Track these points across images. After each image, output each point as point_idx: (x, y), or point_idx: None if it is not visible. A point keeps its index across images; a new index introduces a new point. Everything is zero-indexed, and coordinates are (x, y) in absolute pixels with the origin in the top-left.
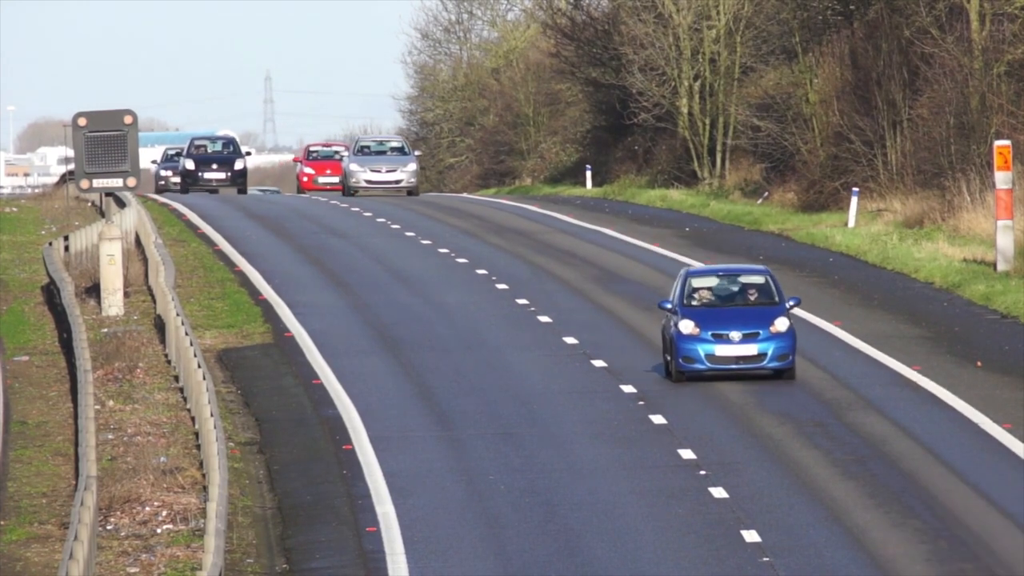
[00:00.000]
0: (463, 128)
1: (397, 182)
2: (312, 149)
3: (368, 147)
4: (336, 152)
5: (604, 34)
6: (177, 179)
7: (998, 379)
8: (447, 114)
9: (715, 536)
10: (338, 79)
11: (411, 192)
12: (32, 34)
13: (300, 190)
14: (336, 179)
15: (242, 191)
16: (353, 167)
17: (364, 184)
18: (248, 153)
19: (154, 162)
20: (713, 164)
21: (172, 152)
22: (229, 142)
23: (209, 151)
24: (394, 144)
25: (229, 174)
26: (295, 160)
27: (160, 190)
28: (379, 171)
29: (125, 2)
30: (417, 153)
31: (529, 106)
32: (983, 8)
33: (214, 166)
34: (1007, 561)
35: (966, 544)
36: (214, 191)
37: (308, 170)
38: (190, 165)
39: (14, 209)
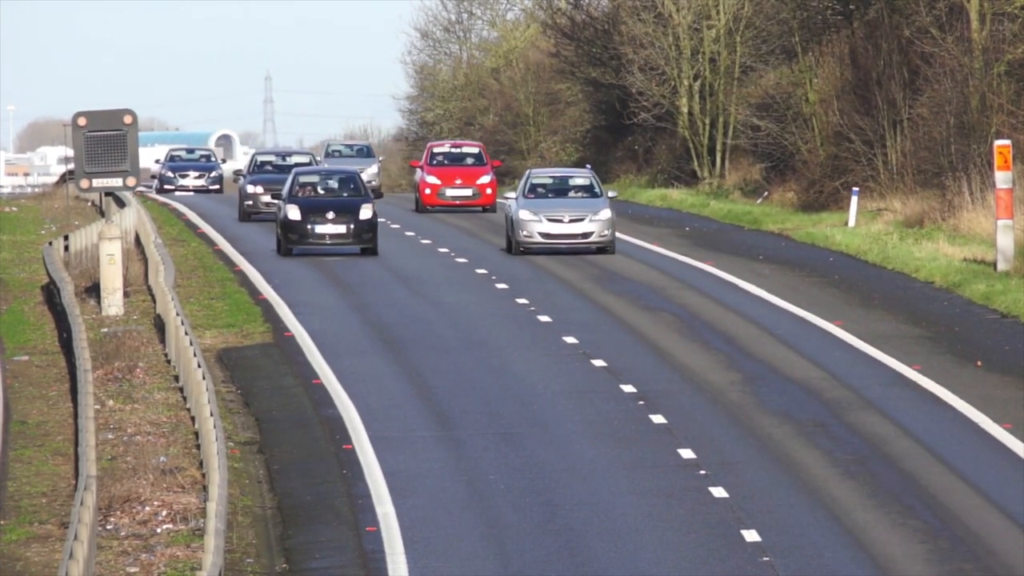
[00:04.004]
0: (463, 128)
1: (585, 236)
2: (436, 151)
3: (544, 186)
4: (468, 155)
5: (604, 34)
6: (269, 198)
7: (998, 379)
8: (447, 114)
9: (715, 536)
10: (338, 79)
11: (603, 249)
12: (32, 34)
13: (421, 206)
14: (469, 191)
15: (369, 251)
16: (523, 215)
17: (539, 240)
18: (380, 195)
19: (239, 174)
20: (713, 164)
21: (263, 159)
22: (350, 179)
23: (322, 192)
24: (579, 180)
25: (352, 226)
26: (413, 165)
27: (248, 214)
28: (559, 220)
29: (125, 2)
30: (611, 195)
31: (529, 106)
32: (983, 8)
33: (330, 215)
34: (1007, 561)
35: (966, 544)
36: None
37: (432, 179)
38: (295, 214)
39: (14, 209)
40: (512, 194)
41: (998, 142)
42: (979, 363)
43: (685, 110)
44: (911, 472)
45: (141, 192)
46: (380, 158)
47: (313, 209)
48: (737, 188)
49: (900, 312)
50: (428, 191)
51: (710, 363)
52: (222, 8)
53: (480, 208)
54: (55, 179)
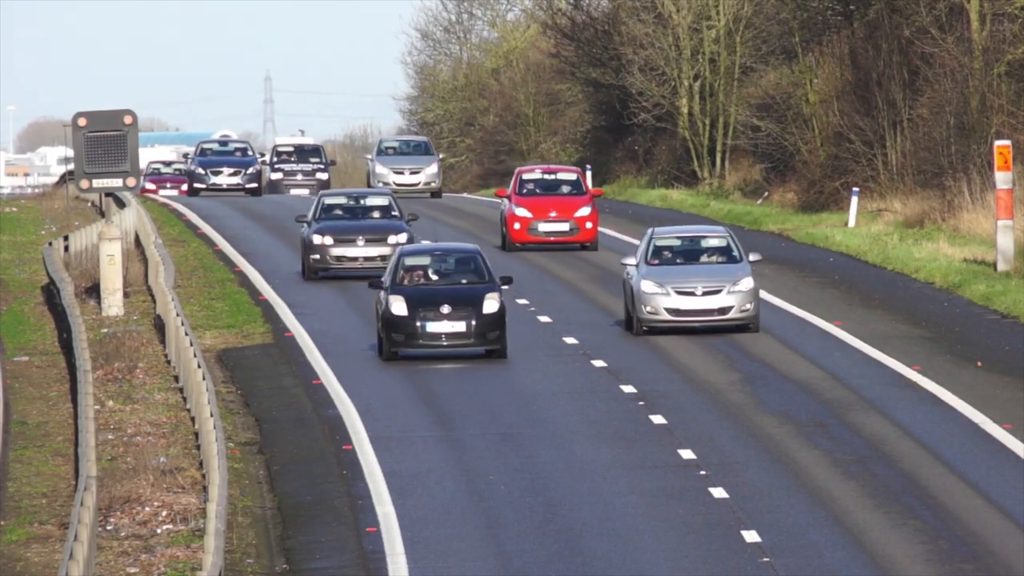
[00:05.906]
0: (463, 128)
1: (723, 311)
2: (526, 177)
3: (670, 248)
4: (563, 183)
5: (604, 34)
6: (342, 250)
7: (998, 379)
8: (447, 114)
9: (715, 536)
10: (338, 79)
11: (745, 327)
12: (32, 34)
13: (509, 243)
14: (565, 226)
15: (497, 353)
16: (646, 287)
17: (666, 316)
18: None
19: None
20: (713, 164)
21: (331, 202)
22: (470, 259)
23: (434, 277)
24: (714, 241)
25: (473, 322)
26: (499, 195)
27: (315, 270)
28: (691, 292)
29: (125, 2)
30: (754, 258)
31: (529, 106)
32: (983, 8)
33: (445, 309)
34: (1007, 561)
35: (966, 544)
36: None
37: (522, 212)
38: (400, 309)
39: (14, 209)
40: (632, 260)
41: (998, 142)
42: (979, 363)
43: (685, 110)
44: (911, 472)
45: (142, 194)
46: (440, 156)
47: (423, 301)
48: (737, 188)
49: (900, 313)
50: (517, 226)
51: (710, 363)
52: (222, 8)
53: (579, 245)
54: (55, 179)
